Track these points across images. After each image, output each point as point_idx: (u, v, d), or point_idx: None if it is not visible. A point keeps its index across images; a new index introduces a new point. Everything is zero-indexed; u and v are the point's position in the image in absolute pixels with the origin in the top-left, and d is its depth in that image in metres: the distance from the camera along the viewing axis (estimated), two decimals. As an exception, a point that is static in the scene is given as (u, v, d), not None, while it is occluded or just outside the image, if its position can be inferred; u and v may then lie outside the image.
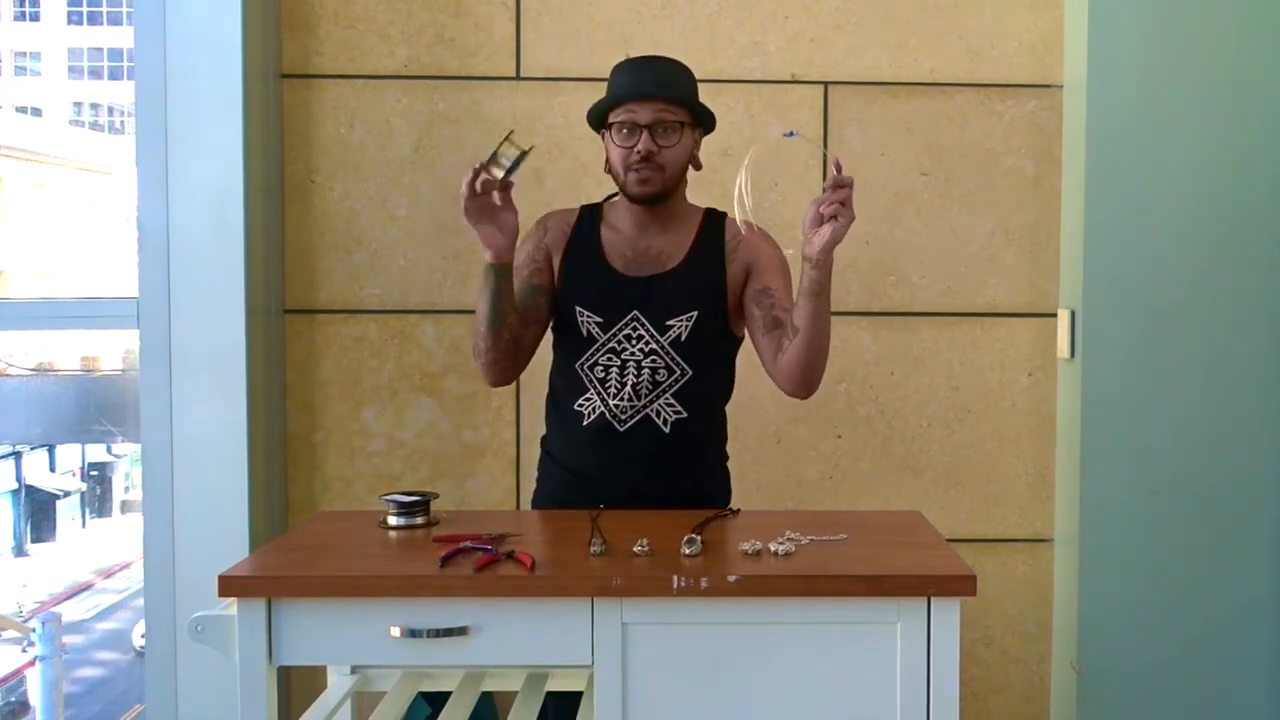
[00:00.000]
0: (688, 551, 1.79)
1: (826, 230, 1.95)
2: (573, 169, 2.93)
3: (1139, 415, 2.85)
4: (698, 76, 2.28)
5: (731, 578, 1.70)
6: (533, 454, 2.95)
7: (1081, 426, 2.86)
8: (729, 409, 2.36)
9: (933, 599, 1.70)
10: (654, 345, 2.17)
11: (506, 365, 2.21)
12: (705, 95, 2.17)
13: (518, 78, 2.94)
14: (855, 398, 2.99)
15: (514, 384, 2.92)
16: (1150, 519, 2.85)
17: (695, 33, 2.94)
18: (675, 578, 1.69)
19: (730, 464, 2.37)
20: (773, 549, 1.82)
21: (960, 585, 1.70)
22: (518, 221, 2.08)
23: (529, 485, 2.96)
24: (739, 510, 2.12)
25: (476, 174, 2.00)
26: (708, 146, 2.89)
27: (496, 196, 2.02)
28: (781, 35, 2.95)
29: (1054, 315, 2.99)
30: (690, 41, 2.93)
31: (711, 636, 1.71)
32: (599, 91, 2.20)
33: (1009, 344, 3.01)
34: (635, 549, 1.80)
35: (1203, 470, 2.87)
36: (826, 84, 2.97)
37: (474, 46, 2.93)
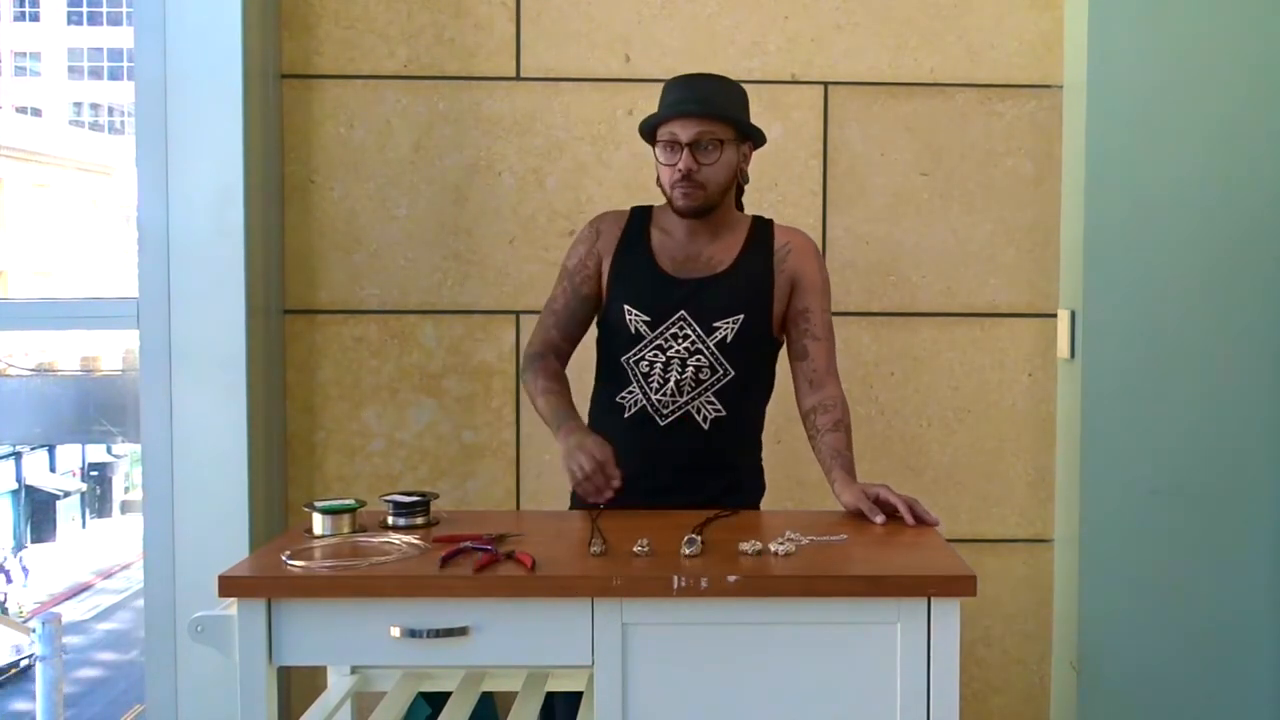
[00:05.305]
0: (688, 551, 1.79)
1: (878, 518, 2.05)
2: (572, 169, 2.93)
3: (1139, 415, 2.85)
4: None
5: (731, 578, 1.70)
6: (532, 454, 2.97)
7: (1081, 426, 2.85)
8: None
9: (933, 599, 1.70)
10: (700, 345, 2.21)
11: None
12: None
13: (518, 78, 2.94)
14: (855, 398, 2.98)
15: (513, 385, 2.93)
16: (1150, 519, 2.85)
17: (695, 33, 2.94)
18: (675, 578, 1.69)
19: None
20: (773, 549, 1.82)
21: (960, 585, 1.70)
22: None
23: (529, 485, 2.97)
24: (739, 510, 2.12)
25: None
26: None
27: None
28: (781, 35, 2.95)
29: (1054, 315, 2.99)
30: (690, 41, 2.93)
31: (711, 636, 1.71)
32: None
33: (1009, 344, 3.01)
34: (635, 549, 1.81)
35: (1203, 470, 2.87)
36: (826, 84, 2.97)
37: (474, 46, 2.93)
